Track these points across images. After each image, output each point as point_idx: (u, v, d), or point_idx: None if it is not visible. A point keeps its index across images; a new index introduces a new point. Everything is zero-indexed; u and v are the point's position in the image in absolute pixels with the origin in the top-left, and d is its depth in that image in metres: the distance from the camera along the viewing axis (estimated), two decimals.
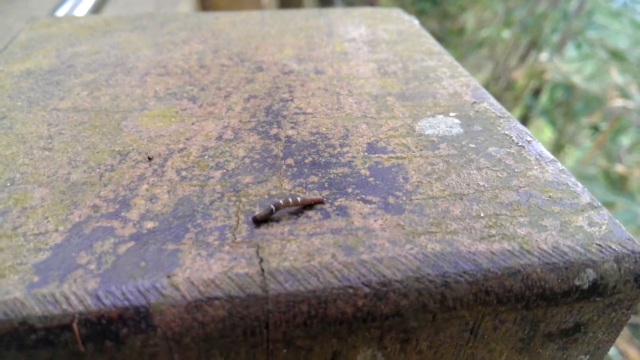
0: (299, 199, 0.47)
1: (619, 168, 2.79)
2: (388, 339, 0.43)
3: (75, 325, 0.37)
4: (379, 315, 0.41)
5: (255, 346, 0.41)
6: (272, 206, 0.46)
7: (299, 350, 0.42)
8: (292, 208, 0.48)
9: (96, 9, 1.65)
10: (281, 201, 0.47)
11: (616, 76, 3.11)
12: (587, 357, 0.51)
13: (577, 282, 0.44)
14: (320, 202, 0.48)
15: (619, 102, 3.01)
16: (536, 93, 4.42)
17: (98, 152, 0.56)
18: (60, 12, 1.44)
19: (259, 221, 0.46)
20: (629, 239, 0.46)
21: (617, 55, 3.16)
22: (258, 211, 0.47)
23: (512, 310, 0.44)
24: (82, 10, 1.52)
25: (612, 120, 3.06)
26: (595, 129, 3.47)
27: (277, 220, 0.46)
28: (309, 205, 0.48)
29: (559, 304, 0.44)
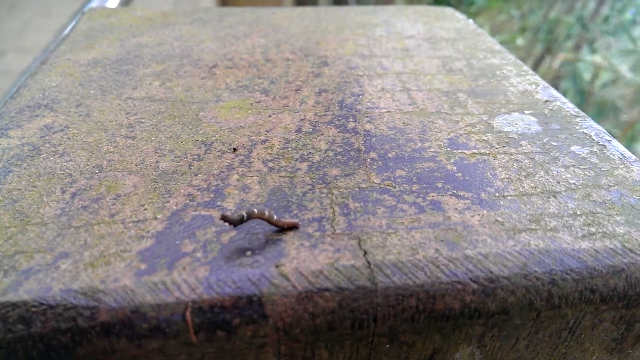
0: (275, 217, 0.43)
1: None
2: (489, 336, 0.42)
3: (188, 314, 0.37)
4: (485, 312, 0.40)
5: (360, 340, 0.40)
6: (243, 213, 0.41)
7: (402, 345, 0.41)
8: (264, 222, 0.44)
9: (125, 2, 1.65)
10: (255, 210, 0.42)
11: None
12: None
13: None
14: (296, 227, 0.44)
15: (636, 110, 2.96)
16: None
17: (182, 142, 0.55)
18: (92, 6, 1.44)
19: (227, 221, 0.41)
20: None
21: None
22: (229, 212, 0.43)
23: (612, 309, 0.43)
24: (112, 4, 1.52)
25: (626, 127, 3.02)
26: None
27: (369, 216, 0.46)
28: (280, 227, 0.43)
29: None
